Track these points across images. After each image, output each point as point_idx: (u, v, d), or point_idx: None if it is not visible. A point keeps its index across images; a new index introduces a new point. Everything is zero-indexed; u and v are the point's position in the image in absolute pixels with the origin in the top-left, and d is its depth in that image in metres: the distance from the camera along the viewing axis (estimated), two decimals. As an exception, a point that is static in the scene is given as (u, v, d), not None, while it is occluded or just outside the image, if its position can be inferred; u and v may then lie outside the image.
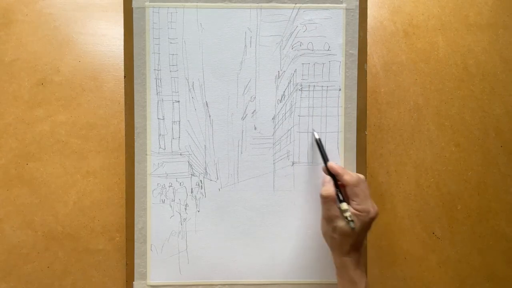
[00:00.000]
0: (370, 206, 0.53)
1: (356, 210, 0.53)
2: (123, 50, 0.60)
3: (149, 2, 0.60)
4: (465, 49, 0.68)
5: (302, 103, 0.61)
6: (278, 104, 0.61)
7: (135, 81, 0.60)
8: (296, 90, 0.61)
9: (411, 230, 0.67)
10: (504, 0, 0.69)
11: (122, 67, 0.60)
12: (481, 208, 0.67)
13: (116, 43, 0.66)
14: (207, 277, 0.61)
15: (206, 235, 0.61)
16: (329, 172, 0.56)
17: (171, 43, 0.60)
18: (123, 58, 0.60)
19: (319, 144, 0.59)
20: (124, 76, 0.60)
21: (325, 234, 0.56)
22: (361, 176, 0.55)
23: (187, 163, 0.61)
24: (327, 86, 0.61)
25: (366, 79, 0.61)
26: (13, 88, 0.64)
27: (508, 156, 0.68)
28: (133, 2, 0.60)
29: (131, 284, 0.60)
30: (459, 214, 0.67)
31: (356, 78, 0.61)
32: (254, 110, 0.61)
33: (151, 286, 0.60)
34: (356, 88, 0.61)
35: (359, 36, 0.61)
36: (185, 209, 0.61)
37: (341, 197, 0.54)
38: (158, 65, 0.60)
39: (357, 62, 0.61)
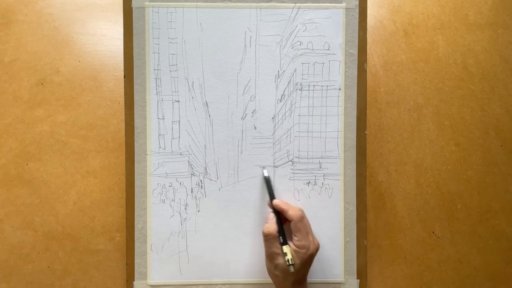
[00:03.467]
0: (310, 242, 0.55)
1: (296, 246, 0.54)
2: (123, 50, 0.60)
3: (149, 2, 0.60)
4: (465, 49, 0.68)
5: (302, 102, 0.61)
6: (278, 103, 0.61)
7: (135, 81, 0.60)
8: (296, 89, 0.61)
9: (411, 229, 0.67)
10: (504, 0, 0.69)
11: (122, 67, 0.60)
12: (481, 208, 0.67)
13: (116, 43, 0.66)
14: (207, 277, 0.61)
15: (206, 235, 0.61)
16: (274, 209, 0.57)
17: (171, 43, 0.60)
18: (123, 58, 0.60)
19: (267, 182, 0.60)
20: (124, 76, 0.60)
21: (268, 271, 0.57)
22: (302, 210, 0.57)
23: (187, 163, 0.61)
24: (327, 86, 0.61)
25: (366, 79, 0.61)
26: (13, 88, 0.64)
27: (508, 156, 0.68)
28: (133, 2, 0.60)
29: (131, 284, 0.60)
30: (459, 214, 0.67)
31: (356, 78, 0.61)
32: (254, 110, 0.61)
33: (151, 286, 0.60)
34: (356, 88, 0.61)
35: (359, 35, 0.61)
36: (185, 209, 0.61)
37: (281, 239, 0.55)
38: (158, 65, 0.60)
39: (357, 62, 0.61)
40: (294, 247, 0.54)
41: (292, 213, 0.55)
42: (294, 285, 0.54)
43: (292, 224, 0.55)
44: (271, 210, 0.58)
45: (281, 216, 0.57)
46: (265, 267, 0.57)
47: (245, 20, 0.61)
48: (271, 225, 0.56)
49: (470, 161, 0.67)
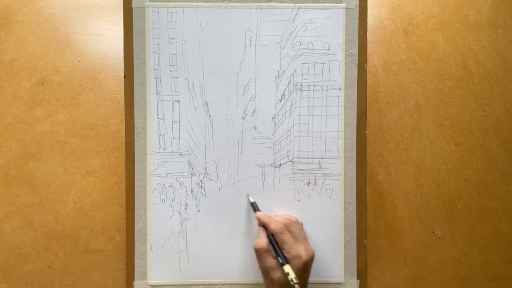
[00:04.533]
0: (302, 250, 0.52)
1: (287, 258, 0.52)
2: (123, 50, 0.60)
3: (149, 2, 0.60)
4: (465, 49, 0.68)
5: (302, 102, 0.61)
6: (278, 103, 0.61)
7: (135, 81, 0.60)
8: (296, 89, 0.61)
9: (411, 229, 0.67)
10: (504, 0, 0.69)
11: (122, 67, 0.60)
12: (481, 208, 0.67)
13: (116, 43, 0.66)
14: (207, 277, 0.61)
15: (206, 235, 0.61)
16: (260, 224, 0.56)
17: (171, 43, 0.60)
18: (123, 58, 0.60)
19: (252, 206, 0.59)
20: (124, 76, 0.60)
21: (266, 287, 0.54)
22: (290, 219, 0.55)
23: (187, 163, 0.61)
24: (327, 86, 0.61)
25: (366, 79, 0.61)
26: (13, 88, 0.64)
27: (508, 156, 0.68)
28: (133, 2, 0.60)
29: (131, 284, 0.60)
30: (459, 214, 0.67)
31: (356, 78, 0.61)
32: (254, 110, 0.61)
33: (151, 286, 0.60)
34: (356, 88, 0.61)
35: (359, 35, 0.61)
36: (185, 209, 0.61)
37: (278, 253, 0.53)
38: (158, 65, 0.60)
39: (357, 62, 0.61)
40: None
41: (273, 226, 0.54)
42: None
43: (276, 238, 0.54)
44: (258, 230, 0.57)
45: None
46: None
47: (245, 20, 0.61)
48: (262, 239, 0.54)
49: (470, 161, 0.67)
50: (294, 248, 0.52)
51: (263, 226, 0.56)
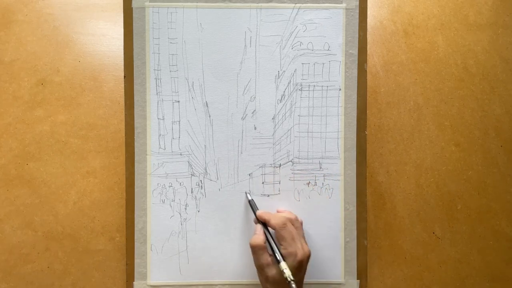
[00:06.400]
0: (298, 248, 0.52)
1: (283, 255, 0.52)
2: (123, 50, 0.60)
3: (149, 2, 0.60)
4: (465, 49, 0.68)
5: (302, 103, 0.61)
6: (278, 104, 0.61)
7: (135, 81, 0.60)
8: (296, 90, 0.61)
9: (411, 230, 0.67)
10: (504, 0, 0.69)
11: (122, 67, 0.60)
12: (481, 208, 0.67)
13: (116, 43, 0.66)
14: (207, 277, 0.61)
15: (206, 235, 0.61)
16: (259, 221, 0.56)
17: (171, 43, 0.60)
18: (123, 58, 0.60)
19: (250, 203, 0.59)
20: (124, 76, 0.60)
21: (261, 284, 0.54)
22: (289, 216, 0.55)
23: (187, 163, 0.61)
24: (327, 86, 0.61)
25: (366, 79, 0.61)
26: (13, 88, 0.64)
27: (508, 156, 0.68)
28: (133, 2, 0.60)
29: (131, 284, 0.60)
30: (459, 214, 0.67)
31: (356, 78, 0.61)
32: (254, 110, 0.61)
33: (151, 286, 0.60)
34: (356, 88, 0.61)
35: (359, 36, 0.61)
36: (185, 209, 0.61)
37: (274, 251, 0.53)
38: (158, 65, 0.60)
39: (357, 62, 0.61)
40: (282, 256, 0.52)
41: (274, 222, 0.54)
42: None
43: (275, 233, 0.54)
44: (256, 227, 0.57)
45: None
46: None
47: (245, 20, 0.61)
48: (258, 236, 0.54)
49: (470, 161, 0.67)
50: (291, 245, 0.52)
51: (262, 223, 0.56)
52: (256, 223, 0.57)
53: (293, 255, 0.52)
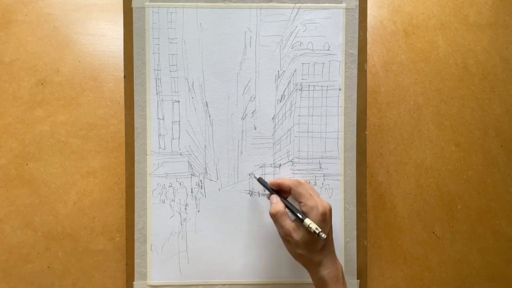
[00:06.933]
0: (318, 202, 0.52)
1: (304, 212, 0.52)
2: (123, 50, 0.60)
3: (149, 2, 0.60)
4: (465, 49, 0.68)
5: (302, 103, 0.61)
6: (278, 104, 0.61)
7: (135, 81, 0.60)
8: (296, 90, 0.61)
9: (411, 230, 0.67)
10: (504, 0, 0.69)
11: (122, 67, 0.60)
12: (481, 208, 0.67)
13: (116, 43, 0.66)
14: (207, 277, 0.61)
15: (206, 235, 0.61)
16: (273, 192, 0.57)
17: (171, 43, 0.60)
18: (123, 58, 0.60)
19: (260, 181, 0.59)
20: (124, 76, 0.60)
21: (292, 254, 0.54)
22: (301, 180, 0.55)
23: (187, 163, 0.61)
24: (327, 86, 0.61)
25: (366, 79, 0.61)
26: (13, 88, 0.64)
27: (508, 156, 0.68)
28: (133, 2, 0.60)
29: (131, 284, 0.60)
30: (459, 214, 0.67)
31: (356, 78, 0.61)
32: (254, 110, 0.61)
33: (151, 286, 0.60)
34: (356, 88, 0.61)
35: (359, 35, 0.61)
36: (185, 209, 0.61)
37: (295, 211, 0.53)
38: (158, 65, 0.60)
39: (357, 62, 0.61)
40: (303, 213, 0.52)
41: (288, 182, 0.55)
42: (322, 251, 0.52)
43: (292, 192, 0.54)
44: (272, 197, 0.56)
45: (285, 195, 0.56)
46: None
47: (245, 20, 0.61)
48: (277, 204, 0.54)
49: (470, 161, 0.67)
50: (310, 199, 0.52)
51: (276, 192, 0.56)
52: (269, 197, 0.57)
53: (315, 208, 0.51)
